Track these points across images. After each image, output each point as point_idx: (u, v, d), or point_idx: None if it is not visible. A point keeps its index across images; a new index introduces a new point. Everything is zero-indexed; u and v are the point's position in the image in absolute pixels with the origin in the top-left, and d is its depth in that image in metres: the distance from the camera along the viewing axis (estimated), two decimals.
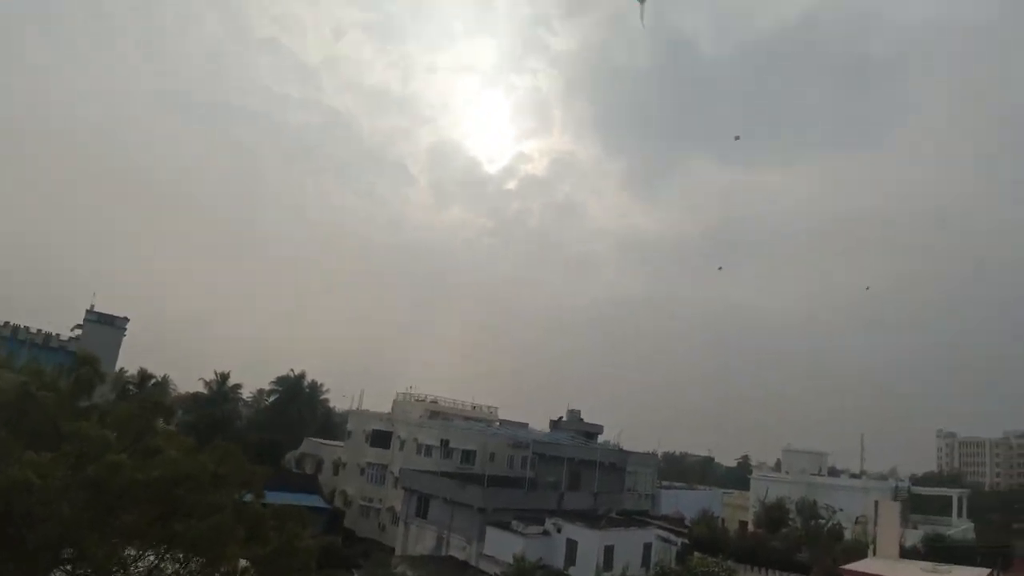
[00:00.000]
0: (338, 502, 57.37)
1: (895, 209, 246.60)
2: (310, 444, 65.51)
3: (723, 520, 57.65)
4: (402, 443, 56.54)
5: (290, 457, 64.34)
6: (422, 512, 45.46)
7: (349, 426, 63.28)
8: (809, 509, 48.03)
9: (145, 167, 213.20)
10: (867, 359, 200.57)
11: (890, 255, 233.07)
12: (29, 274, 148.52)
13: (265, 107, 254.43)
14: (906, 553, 32.68)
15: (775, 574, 36.34)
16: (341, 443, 63.79)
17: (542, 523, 40.35)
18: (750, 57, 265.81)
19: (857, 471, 71.21)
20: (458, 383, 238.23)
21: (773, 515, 48.30)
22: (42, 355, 57.27)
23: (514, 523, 39.78)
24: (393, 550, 46.67)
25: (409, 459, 54.17)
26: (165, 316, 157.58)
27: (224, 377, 66.27)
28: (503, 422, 69.90)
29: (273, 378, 74.87)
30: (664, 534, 43.57)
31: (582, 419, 71.25)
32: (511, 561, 35.23)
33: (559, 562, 38.19)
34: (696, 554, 38.29)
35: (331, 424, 78.51)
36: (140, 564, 14.34)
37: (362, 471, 58.24)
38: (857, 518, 46.71)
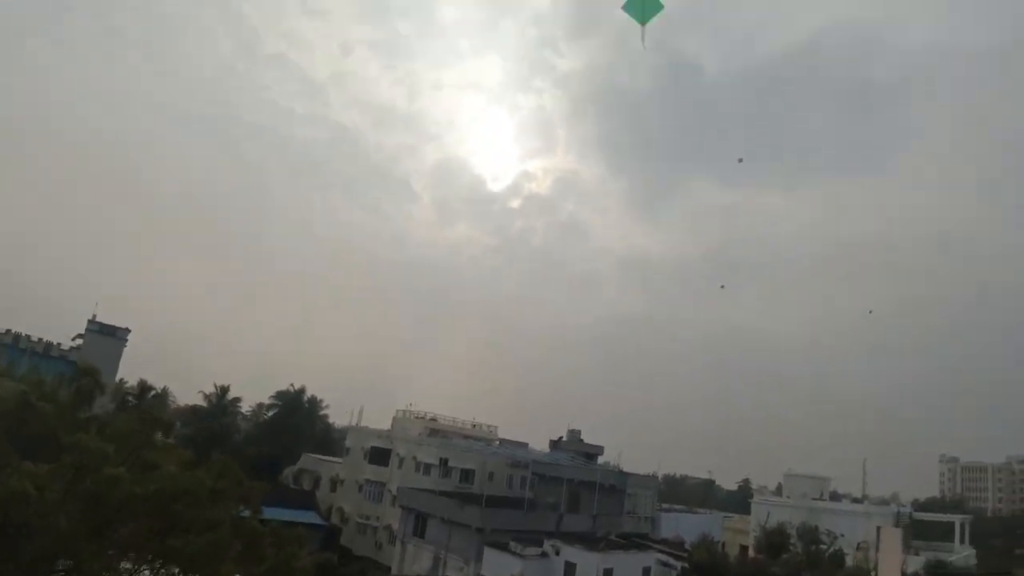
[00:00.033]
0: (335, 519, 56.90)
1: (898, 234, 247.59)
2: (308, 460, 65.10)
3: (723, 544, 57.02)
4: (401, 461, 56.14)
5: (288, 473, 63.92)
6: (419, 531, 45.04)
7: (348, 442, 62.92)
8: (810, 534, 47.49)
9: (153, 178, 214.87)
10: (870, 383, 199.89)
11: (893, 280, 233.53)
12: (34, 283, 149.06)
13: (272, 121, 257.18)
14: None
15: None
16: (339, 459, 63.36)
17: (541, 545, 39.93)
18: (753, 81, 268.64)
19: (859, 496, 70.57)
20: (462, 400, 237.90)
21: (774, 540, 47.74)
22: (43, 364, 57.25)
23: (512, 544, 39.37)
24: (389, 569, 46.22)
25: (407, 477, 53.75)
26: (168, 327, 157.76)
27: (224, 390, 66.13)
28: (503, 441, 69.48)
29: (273, 392, 74.68)
30: (664, 558, 43.11)
31: (582, 439, 70.77)
32: None
33: None
34: None
35: (330, 440, 78.03)
36: None
37: (360, 488, 57.78)
38: (859, 544, 46.19)
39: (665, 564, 42.08)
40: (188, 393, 71.30)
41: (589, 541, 41.72)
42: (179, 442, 39.46)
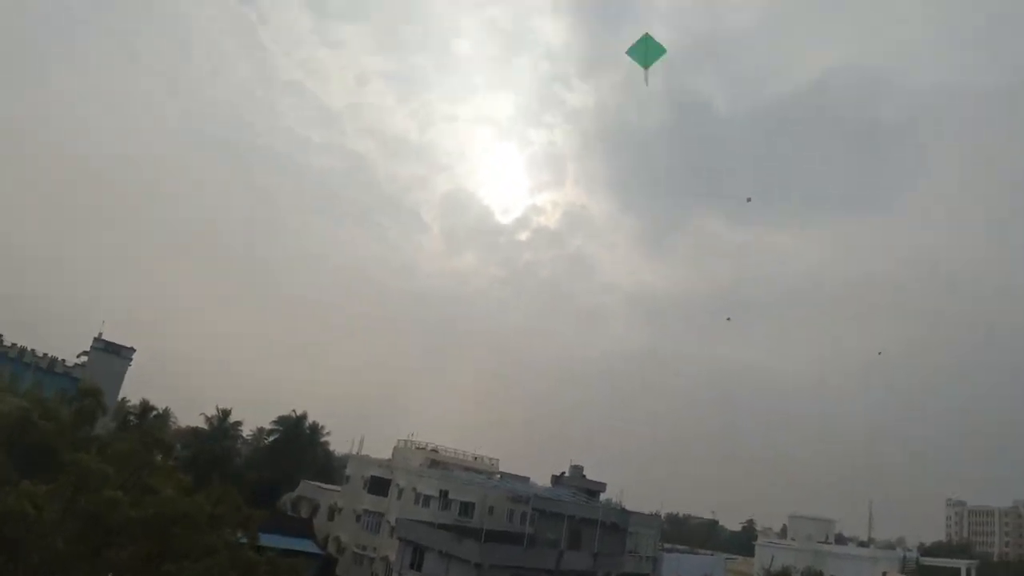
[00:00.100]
0: (331, 548, 56.07)
1: (906, 274, 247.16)
2: (307, 487, 64.47)
3: None
4: (400, 491, 55.48)
5: (286, 499, 63.27)
6: (416, 564, 44.26)
7: (348, 471, 62.35)
8: None
9: (168, 201, 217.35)
10: (877, 424, 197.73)
11: (901, 320, 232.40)
12: (45, 297, 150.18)
13: (287, 148, 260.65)
14: None
15: None
16: (338, 488, 62.71)
17: None
18: (761, 121, 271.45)
19: (865, 539, 69.30)
20: (469, 431, 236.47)
21: None
22: (47, 379, 57.37)
23: None
24: None
25: (406, 508, 53.02)
26: (173, 348, 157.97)
27: (225, 413, 65.90)
28: (504, 474, 68.73)
29: (275, 417, 74.31)
30: None
31: (584, 475, 69.97)
32: None
33: None
34: None
35: (330, 467, 77.40)
36: None
37: (358, 518, 57.02)
38: None
39: None
40: (190, 414, 71.24)
41: None
42: (179, 464, 39.19)
